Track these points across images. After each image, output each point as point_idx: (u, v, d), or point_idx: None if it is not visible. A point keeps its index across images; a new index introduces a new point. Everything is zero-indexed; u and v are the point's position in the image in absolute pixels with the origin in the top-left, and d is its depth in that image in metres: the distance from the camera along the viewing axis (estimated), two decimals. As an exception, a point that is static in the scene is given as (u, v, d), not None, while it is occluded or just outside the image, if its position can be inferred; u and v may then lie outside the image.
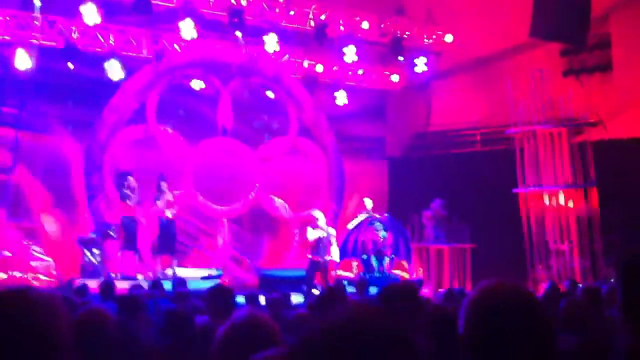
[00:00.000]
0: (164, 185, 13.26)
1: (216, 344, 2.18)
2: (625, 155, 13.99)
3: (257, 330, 2.16)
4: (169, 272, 12.83)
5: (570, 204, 13.22)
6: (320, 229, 12.52)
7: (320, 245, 12.47)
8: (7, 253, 12.46)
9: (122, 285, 9.59)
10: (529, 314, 1.70)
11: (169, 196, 13.24)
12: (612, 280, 9.68)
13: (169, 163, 14.59)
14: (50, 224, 13.72)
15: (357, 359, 1.09)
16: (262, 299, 7.62)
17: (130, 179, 12.99)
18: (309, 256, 12.71)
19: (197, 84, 15.09)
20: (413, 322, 2.93)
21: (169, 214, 13.19)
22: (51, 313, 1.56)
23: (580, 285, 8.12)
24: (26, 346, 1.49)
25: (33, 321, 1.51)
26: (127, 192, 12.89)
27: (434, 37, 16.87)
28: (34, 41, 13.32)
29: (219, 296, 5.15)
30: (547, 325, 1.72)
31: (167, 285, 9.44)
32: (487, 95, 16.19)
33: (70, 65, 13.62)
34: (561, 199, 13.30)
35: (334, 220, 14.90)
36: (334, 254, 12.74)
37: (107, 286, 8.21)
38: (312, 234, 12.52)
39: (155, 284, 9.07)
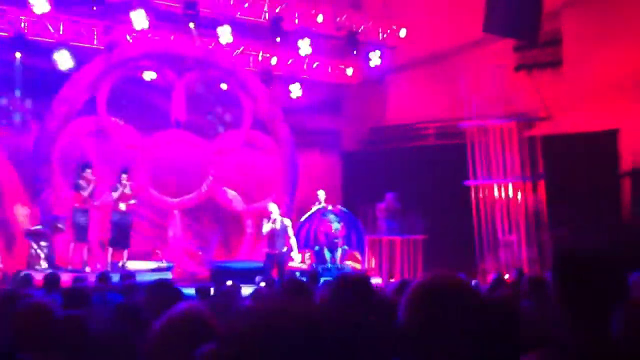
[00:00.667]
0: (124, 177, 13.10)
1: (152, 338, 2.15)
2: (574, 149, 14.28)
3: (194, 324, 2.15)
4: (119, 264, 12.70)
5: (519, 197, 13.45)
6: (274, 221, 12.52)
7: (275, 238, 12.48)
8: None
9: (67, 277, 9.50)
10: (467, 305, 1.72)
11: (126, 189, 13.08)
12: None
13: (121, 155, 14.43)
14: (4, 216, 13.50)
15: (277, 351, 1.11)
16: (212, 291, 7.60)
17: (88, 171, 12.79)
18: (265, 250, 12.70)
19: (148, 75, 14.91)
20: (365, 315, 2.92)
21: (122, 206, 13.03)
22: None
23: (526, 275, 8.23)
24: None
25: None
26: (83, 183, 12.69)
27: (388, 31, 16.96)
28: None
29: (159, 291, 5.12)
30: (484, 316, 1.74)
31: (115, 278, 9.34)
32: (442, 89, 16.33)
33: (18, 55, 13.36)
34: (510, 192, 13.51)
35: (288, 213, 14.91)
36: (292, 244, 12.71)
37: (52, 278, 8.12)
38: (265, 227, 12.52)
39: (103, 276, 8.97)
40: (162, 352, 2.13)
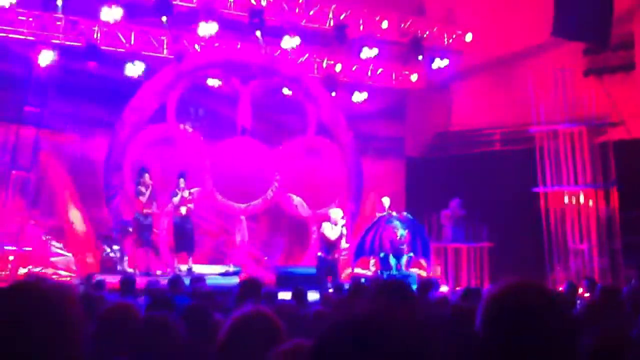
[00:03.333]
0: (182, 182, 13.30)
1: (223, 336, 2.19)
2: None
3: (262, 325, 2.18)
4: (184, 268, 12.86)
5: (591, 204, 13.08)
6: (339, 227, 12.36)
7: (334, 244, 12.24)
8: (27, 248, 12.65)
9: (140, 281, 9.69)
10: (551, 314, 1.66)
11: (185, 193, 13.26)
12: (633, 281, 9.59)
13: (189, 162, 14.71)
14: (76, 221, 13.86)
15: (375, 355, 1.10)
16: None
17: (146, 175, 12.93)
18: (320, 254, 12.32)
19: (214, 82, 15.17)
20: (410, 317, 2.87)
21: (183, 210, 13.17)
22: (63, 300, 1.62)
23: (599, 285, 8.01)
24: (39, 331, 1.54)
25: (46, 307, 1.57)
26: (142, 188, 12.89)
27: (454, 36, 16.79)
28: (56, 41, 13.51)
29: (249, 288, 5.19)
30: (569, 325, 1.70)
31: (185, 282, 9.47)
32: (508, 94, 16.07)
33: (92, 65, 13.77)
34: (581, 199, 13.16)
35: (352, 219, 14.90)
36: (343, 245, 12.49)
37: (128, 282, 8.33)
38: (333, 233, 12.19)
39: (174, 280, 9.12)
40: (229, 350, 2.16)
